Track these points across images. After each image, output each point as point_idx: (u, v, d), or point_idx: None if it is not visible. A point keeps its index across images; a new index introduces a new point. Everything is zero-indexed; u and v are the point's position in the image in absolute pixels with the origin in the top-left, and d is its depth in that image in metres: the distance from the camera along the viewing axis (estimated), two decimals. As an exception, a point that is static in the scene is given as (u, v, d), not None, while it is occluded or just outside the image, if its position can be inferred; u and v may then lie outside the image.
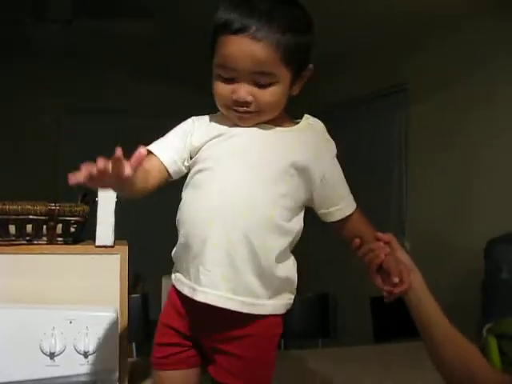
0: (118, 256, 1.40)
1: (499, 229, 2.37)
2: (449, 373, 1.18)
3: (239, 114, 1.15)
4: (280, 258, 1.15)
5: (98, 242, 1.39)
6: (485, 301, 2.34)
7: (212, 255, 1.12)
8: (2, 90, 4.94)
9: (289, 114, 1.23)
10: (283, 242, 1.15)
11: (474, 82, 3.05)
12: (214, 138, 1.18)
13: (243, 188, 1.13)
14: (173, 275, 1.24)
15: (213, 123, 1.22)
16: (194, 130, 1.21)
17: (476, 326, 2.26)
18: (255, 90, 1.12)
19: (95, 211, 1.40)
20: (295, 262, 1.22)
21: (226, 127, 1.19)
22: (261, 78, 1.11)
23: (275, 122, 1.19)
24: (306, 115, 1.24)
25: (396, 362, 1.86)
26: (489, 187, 2.95)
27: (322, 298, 3.09)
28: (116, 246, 1.40)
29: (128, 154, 0.93)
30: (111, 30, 3.90)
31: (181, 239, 1.19)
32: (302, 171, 1.15)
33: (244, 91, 1.11)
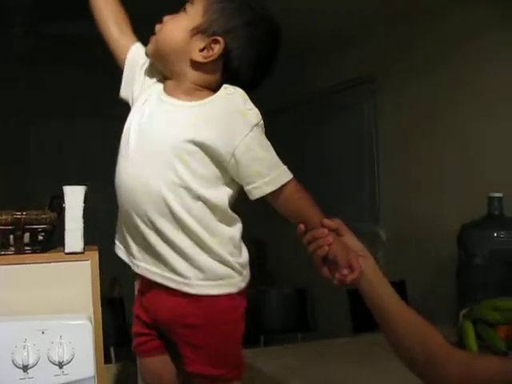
0: (89, 262, 1.37)
1: (472, 214, 2.39)
2: (410, 359, 1.13)
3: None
4: (192, 236, 1.15)
5: (67, 249, 1.35)
6: (460, 286, 2.36)
7: (129, 231, 1.21)
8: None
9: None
10: (188, 220, 1.14)
11: (444, 71, 3.07)
12: (139, 103, 1.23)
13: (137, 166, 1.16)
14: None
15: (149, 81, 1.26)
16: (139, 77, 1.27)
17: (452, 312, 2.28)
18: (175, 16, 1.19)
19: (64, 217, 1.37)
20: (229, 241, 1.19)
21: (148, 93, 1.23)
22: (187, 5, 1.19)
23: (189, 97, 1.19)
24: (224, 85, 1.19)
25: (376, 353, 1.87)
26: (460, 172, 2.97)
27: (299, 292, 3.11)
28: (86, 252, 1.37)
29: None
30: (74, 31, 3.85)
31: None
32: (204, 148, 1.12)
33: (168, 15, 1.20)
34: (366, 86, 3.77)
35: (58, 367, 1.28)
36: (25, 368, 1.26)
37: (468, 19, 2.87)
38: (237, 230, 1.22)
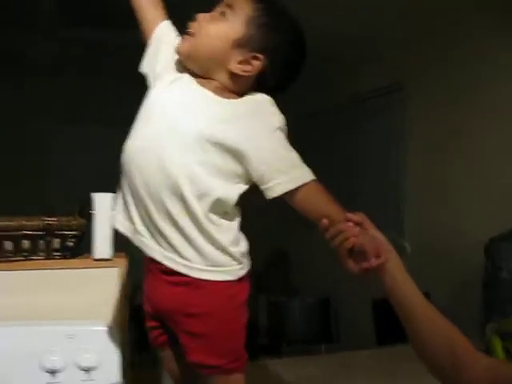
0: (117, 269, 1.38)
1: (499, 227, 2.36)
2: (434, 361, 1.10)
3: (184, 35, 1.22)
4: (195, 221, 1.16)
5: (96, 256, 1.37)
6: (486, 300, 2.33)
7: (136, 208, 1.20)
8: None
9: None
10: (197, 206, 1.16)
11: (472, 80, 3.04)
12: (167, 81, 1.24)
13: (157, 142, 1.17)
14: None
15: (174, 62, 1.27)
16: (163, 55, 1.28)
17: (478, 325, 2.25)
18: (209, 16, 1.19)
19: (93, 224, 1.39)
20: (230, 233, 1.21)
21: (176, 76, 1.25)
22: (225, 9, 1.19)
23: (220, 92, 1.21)
24: (253, 92, 1.24)
25: (401, 366, 1.85)
26: (488, 186, 2.94)
27: (323, 302, 3.09)
28: (115, 259, 1.38)
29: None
30: (104, 39, 3.91)
31: None
32: (228, 144, 1.15)
33: (206, 14, 1.20)
34: (396, 94, 3.75)
35: (84, 373, 1.29)
36: (52, 373, 1.27)
37: (502, 28, 2.85)
38: (236, 221, 1.24)
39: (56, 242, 1.37)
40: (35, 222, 1.33)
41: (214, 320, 1.19)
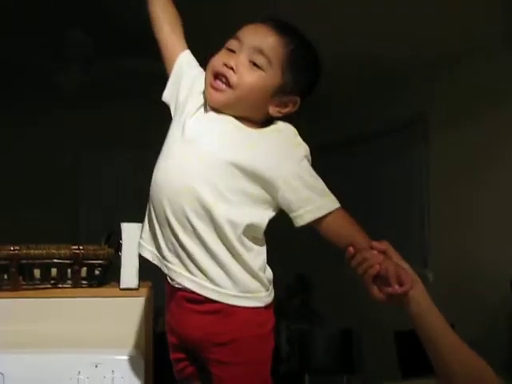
0: (143, 298, 1.39)
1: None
2: None
3: (216, 83, 1.19)
4: (229, 246, 1.17)
5: (122, 285, 1.38)
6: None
7: (167, 234, 1.19)
8: (23, 128, 5.01)
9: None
10: (230, 231, 1.16)
11: (496, 113, 3.04)
12: (191, 110, 1.24)
13: (187, 170, 1.18)
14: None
15: (201, 93, 1.26)
16: (185, 83, 1.28)
17: (506, 361, 2.22)
18: (246, 65, 1.17)
19: (120, 253, 1.40)
20: (259, 257, 1.21)
21: (201, 104, 1.24)
22: (258, 57, 1.17)
23: (246, 122, 1.22)
24: (276, 120, 1.25)
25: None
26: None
27: (345, 333, 3.06)
28: (141, 289, 1.39)
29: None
30: (131, 67, 3.98)
31: None
32: (257, 173, 1.17)
33: (237, 59, 1.17)
34: (419, 127, 3.75)
35: (109, 401, 1.30)
36: (78, 400, 1.28)
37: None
38: (264, 246, 1.26)
39: (83, 271, 1.39)
40: (63, 251, 1.35)
41: (244, 348, 1.19)
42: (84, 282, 1.40)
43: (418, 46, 3.16)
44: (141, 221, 1.38)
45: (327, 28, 3.01)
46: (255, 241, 1.22)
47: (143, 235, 1.27)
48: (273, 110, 1.22)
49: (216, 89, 1.19)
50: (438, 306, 3.18)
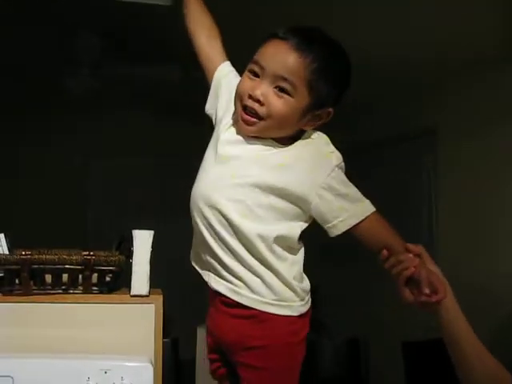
0: (153, 305, 1.40)
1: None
2: None
3: (246, 117, 1.21)
4: (261, 258, 1.20)
5: (132, 292, 1.38)
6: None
7: (204, 247, 1.25)
8: (31, 134, 5.03)
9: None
10: (260, 243, 1.20)
11: (506, 127, 3.03)
12: (226, 124, 1.28)
13: (218, 187, 1.22)
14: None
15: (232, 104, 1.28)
16: (222, 97, 1.31)
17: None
18: (271, 94, 1.18)
19: (131, 260, 1.41)
20: (294, 267, 1.24)
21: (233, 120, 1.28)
22: (282, 83, 1.17)
23: (277, 139, 1.25)
24: (308, 131, 1.26)
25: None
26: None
27: (352, 343, 3.06)
28: (151, 296, 1.39)
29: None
30: (139, 74, 4.00)
31: None
32: (288, 189, 1.20)
33: (261, 89, 1.18)
34: (427, 139, 3.75)
35: (119, 408, 1.30)
36: (87, 407, 1.28)
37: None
38: (300, 255, 1.26)
39: (94, 277, 1.40)
40: (75, 257, 1.36)
41: (275, 354, 1.22)
42: (95, 288, 1.41)
43: (430, 57, 3.16)
44: (150, 227, 1.40)
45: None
46: (289, 250, 1.25)
47: (193, 246, 1.36)
48: (306, 126, 1.24)
49: (247, 122, 1.20)
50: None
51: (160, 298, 1.40)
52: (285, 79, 1.17)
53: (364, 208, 1.24)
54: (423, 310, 1.15)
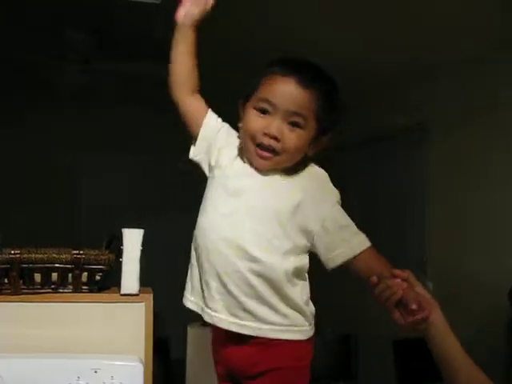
0: (143, 304, 1.39)
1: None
2: None
3: (261, 152, 1.23)
4: (281, 285, 1.22)
5: (122, 291, 1.38)
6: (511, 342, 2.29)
7: (213, 284, 1.25)
8: (20, 129, 5.00)
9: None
10: (278, 278, 1.21)
11: (496, 121, 3.04)
12: (228, 163, 1.30)
13: (232, 225, 1.23)
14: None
15: (234, 146, 1.32)
16: (223, 146, 1.32)
17: (504, 371, 2.22)
18: (285, 129, 1.22)
19: (120, 258, 1.40)
20: (303, 291, 1.28)
21: (239, 159, 1.30)
22: (294, 117, 1.22)
23: (283, 170, 1.28)
24: (312, 164, 1.31)
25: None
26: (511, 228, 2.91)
27: (343, 339, 3.06)
28: (141, 295, 1.39)
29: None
30: (128, 70, 3.99)
31: None
32: (300, 218, 1.23)
33: (276, 126, 1.21)
34: (418, 134, 3.76)
35: (109, 407, 1.29)
36: (77, 406, 1.28)
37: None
38: (307, 281, 1.30)
39: (84, 276, 1.39)
40: (64, 256, 1.35)
41: (283, 378, 1.22)
42: (84, 287, 1.40)
43: (418, 52, 3.17)
44: (139, 225, 1.39)
45: (327, 36, 3.03)
46: (301, 276, 1.28)
47: (187, 286, 1.35)
48: (310, 151, 1.29)
49: (263, 158, 1.24)
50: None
51: (150, 297, 1.40)
52: (297, 114, 1.22)
53: (361, 242, 1.28)
54: (414, 331, 1.18)
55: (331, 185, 1.31)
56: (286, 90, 1.22)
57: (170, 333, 2.91)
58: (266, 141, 1.21)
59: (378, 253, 1.30)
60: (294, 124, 1.22)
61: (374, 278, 1.22)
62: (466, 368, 1.17)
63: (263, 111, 1.23)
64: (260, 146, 1.23)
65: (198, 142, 1.33)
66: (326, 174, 1.32)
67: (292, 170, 1.29)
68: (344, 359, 3.05)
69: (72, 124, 5.30)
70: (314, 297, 3.98)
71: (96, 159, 5.58)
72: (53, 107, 4.99)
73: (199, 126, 1.33)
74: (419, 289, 1.23)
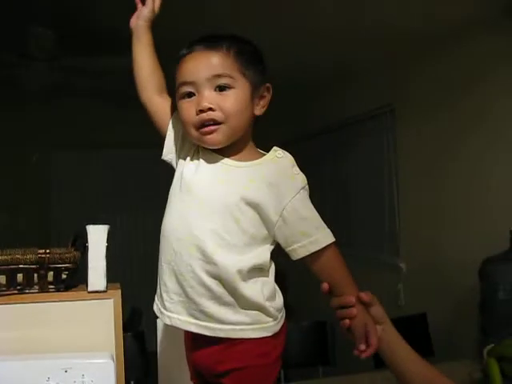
0: (112, 300, 1.38)
1: (494, 248, 2.37)
2: None
3: (205, 130, 1.18)
4: (236, 285, 1.17)
5: (90, 288, 1.37)
6: (483, 321, 2.32)
7: (171, 284, 1.21)
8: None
9: (260, 147, 1.27)
10: (232, 278, 1.17)
11: (465, 102, 3.06)
12: (186, 161, 1.26)
13: (187, 219, 1.19)
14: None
15: (194, 148, 1.28)
16: (185, 144, 1.29)
17: (475, 346, 2.25)
18: (216, 97, 1.17)
19: (87, 255, 1.39)
20: (265, 288, 1.22)
21: (195, 157, 1.26)
22: (218, 81, 1.17)
23: (239, 156, 1.23)
24: (274, 147, 1.25)
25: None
26: (483, 206, 2.95)
27: (319, 325, 3.08)
28: (109, 291, 1.38)
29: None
30: (95, 65, 3.94)
31: None
32: (256, 208, 1.17)
33: (206, 98, 1.17)
34: (387, 116, 3.78)
35: (80, 406, 1.28)
36: (48, 407, 1.27)
37: (490, 51, 2.87)
38: (271, 273, 1.25)
39: (50, 275, 1.37)
40: (29, 256, 1.33)
41: (248, 377, 1.20)
42: (51, 286, 1.39)
43: (385, 36, 3.18)
44: (110, 223, 1.38)
45: (298, 22, 3.02)
46: (261, 273, 1.22)
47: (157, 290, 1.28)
48: (258, 110, 1.23)
49: (210, 132, 1.19)
50: (411, 294, 3.23)
51: (118, 293, 1.39)
52: (219, 76, 1.17)
53: (325, 236, 1.21)
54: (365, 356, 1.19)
55: (296, 169, 1.22)
56: (196, 62, 1.18)
57: (146, 327, 2.90)
58: (205, 116, 1.17)
59: (342, 257, 1.24)
60: (222, 88, 1.17)
61: (325, 285, 1.21)
62: (420, 375, 1.19)
63: (188, 95, 1.19)
64: (202, 126, 1.18)
65: (165, 143, 1.31)
66: (290, 158, 1.23)
67: (250, 154, 1.24)
68: (321, 345, 3.07)
69: (43, 121, 5.25)
70: (290, 283, 3.99)
71: (68, 156, 5.53)
72: (22, 104, 4.93)
73: (167, 125, 1.31)
74: (375, 309, 1.21)
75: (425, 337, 2.97)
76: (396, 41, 3.22)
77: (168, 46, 1.27)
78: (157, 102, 1.31)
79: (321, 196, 4.13)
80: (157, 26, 1.33)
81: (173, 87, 1.25)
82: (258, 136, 1.29)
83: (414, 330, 2.94)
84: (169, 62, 1.27)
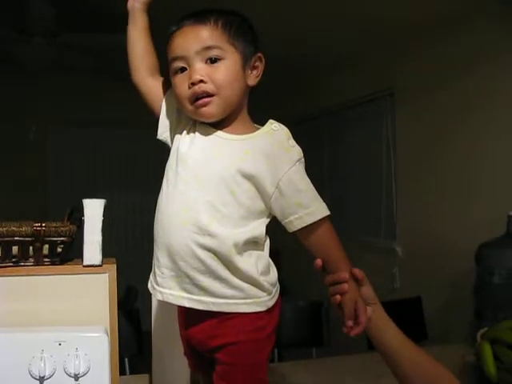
0: (107, 275, 1.38)
1: (490, 232, 2.37)
2: None
3: (199, 103, 1.18)
4: (231, 258, 1.17)
5: (85, 262, 1.37)
6: (477, 305, 2.33)
7: (163, 259, 1.21)
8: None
9: (256, 121, 1.26)
10: (227, 251, 1.16)
11: (464, 86, 3.05)
12: (182, 130, 1.26)
13: (184, 194, 1.19)
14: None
15: (189, 123, 1.27)
16: (180, 121, 1.29)
17: (469, 330, 2.26)
18: (207, 69, 1.17)
19: (82, 230, 1.38)
20: (260, 262, 1.22)
21: (190, 125, 1.26)
22: (208, 53, 1.17)
23: (234, 129, 1.23)
24: (270, 120, 1.25)
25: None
26: (479, 190, 2.95)
27: (314, 305, 3.08)
28: (104, 265, 1.38)
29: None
30: (95, 42, 3.91)
31: None
32: (252, 180, 1.17)
33: (196, 71, 1.17)
34: (386, 100, 3.77)
35: (73, 379, 1.29)
36: (41, 379, 1.27)
37: (489, 35, 2.85)
38: (266, 247, 1.25)
39: (45, 248, 1.37)
40: (24, 228, 1.33)
41: (242, 351, 1.20)
42: (46, 259, 1.38)
43: (385, 21, 3.16)
44: (107, 198, 1.37)
45: (299, 7, 3.00)
46: (255, 246, 1.22)
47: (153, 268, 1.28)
48: (251, 80, 1.23)
49: (204, 105, 1.18)
50: (406, 277, 3.22)
51: (113, 268, 1.39)
52: (209, 48, 1.18)
53: (321, 209, 1.21)
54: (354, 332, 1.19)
55: (291, 142, 1.22)
56: (185, 37, 1.19)
57: (142, 305, 2.91)
58: (197, 89, 1.17)
59: (335, 232, 1.23)
60: (214, 60, 1.18)
61: (319, 261, 1.21)
62: (409, 359, 1.18)
63: (181, 70, 1.19)
64: (196, 99, 1.18)
65: (160, 123, 1.31)
66: (286, 130, 1.23)
67: (246, 127, 1.24)
68: (315, 326, 3.07)
69: (42, 97, 5.23)
70: (286, 264, 4.00)
71: (67, 133, 5.53)
72: (22, 82, 4.91)
73: (160, 106, 1.31)
74: (365, 289, 1.21)
75: (419, 320, 2.98)
76: (396, 25, 3.20)
77: (163, 27, 1.25)
78: (149, 83, 1.31)
79: (319, 179, 4.15)
80: (153, 7, 1.31)
81: (168, 69, 1.25)
82: (258, 119, 1.28)
83: (409, 312, 2.95)
84: (163, 44, 1.27)
